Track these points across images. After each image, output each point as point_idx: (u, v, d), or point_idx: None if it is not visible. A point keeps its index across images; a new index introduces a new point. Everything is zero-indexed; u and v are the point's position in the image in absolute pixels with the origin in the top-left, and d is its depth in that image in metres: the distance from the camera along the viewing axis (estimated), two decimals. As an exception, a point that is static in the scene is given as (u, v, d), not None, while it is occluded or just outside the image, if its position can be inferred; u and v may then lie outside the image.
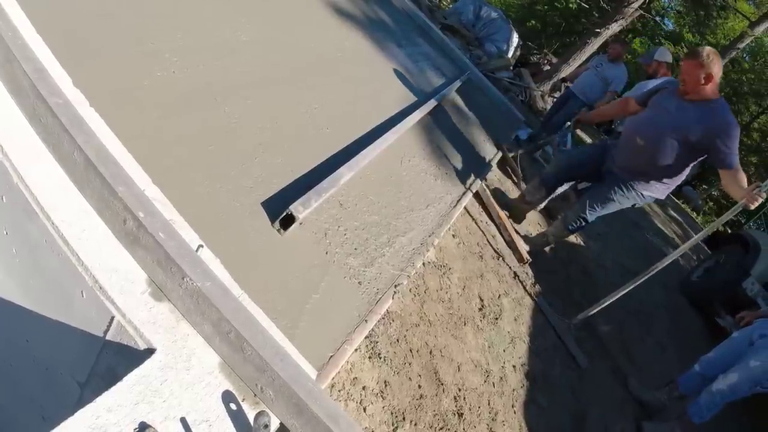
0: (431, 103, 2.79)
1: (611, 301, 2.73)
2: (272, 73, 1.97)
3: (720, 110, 2.36)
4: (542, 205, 3.66)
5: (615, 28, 7.53)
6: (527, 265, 3.01)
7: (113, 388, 0.77)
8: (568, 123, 5.44)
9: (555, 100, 6.12)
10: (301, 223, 1.49)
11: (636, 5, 7.36)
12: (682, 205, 10.34)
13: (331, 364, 1.21)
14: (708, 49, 2.37)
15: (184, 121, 1.39)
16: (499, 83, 6.97)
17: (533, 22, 13.88)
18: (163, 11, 1.73)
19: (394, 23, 3.99)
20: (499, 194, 3.51)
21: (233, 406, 0.87)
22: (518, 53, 8.94)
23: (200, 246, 1.02)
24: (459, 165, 2.69)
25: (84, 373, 1.01)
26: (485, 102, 4.13)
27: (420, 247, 1.92)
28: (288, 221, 1.39)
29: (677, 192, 11.42)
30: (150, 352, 0.85)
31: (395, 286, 1.64)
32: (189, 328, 0.91)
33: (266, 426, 0.81)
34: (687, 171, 2.69)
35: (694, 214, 10.57)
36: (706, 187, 13.54)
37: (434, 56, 4.14)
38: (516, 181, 4.14)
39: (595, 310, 2.77)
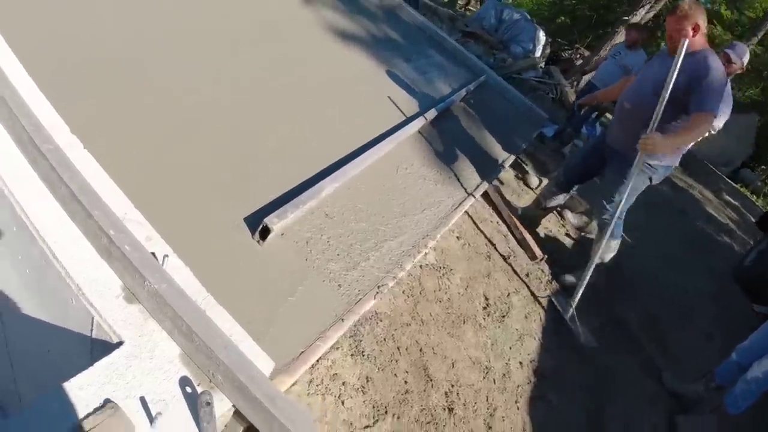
0: (433, 112, 2.87)
1: (592, 268, 2.63)
2: (262, 87, 2.14)
3: (703, 59, 2.28)
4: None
5: (645, 14, 7.25)
6: (543, 261, 2.99)
7: (84, 372, 0.94)
8: (596, 112, 5.31)
9: (577, 93, 5.98)
10: (282, 234, 1.64)
11: (666, -13, 7.07)
12: (741, 189, 9.55)
13: (301, 360, 1.33)
14: (689, 1, 2.34)
15: (169, 145, 1.59)
16: (526, 84, 6.91)
17: (563, 17, 13.58)
18: (152, 40, 1.96)
19: (401, 38, 4.12)
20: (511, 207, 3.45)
21: (188, 389, 1.01)
22: (548, 51, 8.80)
23: (166, 256, 1.19)
24: (464, 169, 2.71)
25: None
26: (503, 104, 4.13)
27: (411, 250, 1.98)
28: (266, 233, 1.54)
29: (734, 175, 10.54)
30: (120, 344, 1.02)
31: (378, 287, 1.73)
32: (155, 325, 1.08)
33: (208, 403, 0.95)
34: None
35: (754, 197, 9.70)
36: (765, 167, 12.42)
37: (446, 65, 4.22)
38: (525, 178, 4.13)
39: (585, 282, 2.63)
